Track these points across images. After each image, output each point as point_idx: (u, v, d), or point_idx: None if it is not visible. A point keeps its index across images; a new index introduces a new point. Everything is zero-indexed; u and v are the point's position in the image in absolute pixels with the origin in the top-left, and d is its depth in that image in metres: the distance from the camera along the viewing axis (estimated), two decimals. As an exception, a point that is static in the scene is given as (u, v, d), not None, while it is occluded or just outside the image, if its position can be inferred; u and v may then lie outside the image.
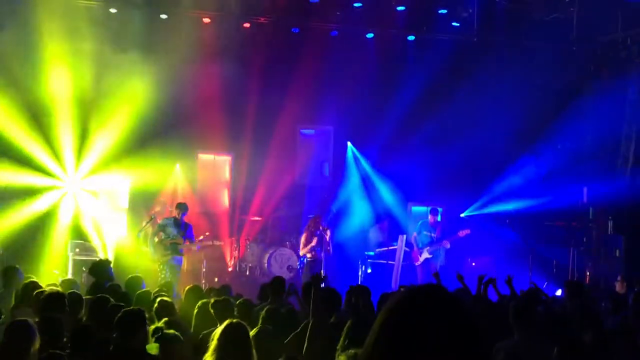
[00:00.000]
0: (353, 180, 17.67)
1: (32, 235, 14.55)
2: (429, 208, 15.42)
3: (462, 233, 15.12)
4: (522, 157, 16.56)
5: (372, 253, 16.19)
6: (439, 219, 15.78)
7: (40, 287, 8.32)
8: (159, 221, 13.81)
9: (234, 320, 5.41)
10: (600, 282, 14.76)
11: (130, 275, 9.93)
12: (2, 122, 14.65)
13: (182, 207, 13.67)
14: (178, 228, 13.42)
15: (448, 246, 15.03)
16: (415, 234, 15.19)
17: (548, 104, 15.94)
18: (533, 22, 16.12)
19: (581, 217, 16.42)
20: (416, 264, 14.96)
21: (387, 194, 17.23)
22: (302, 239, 14.03)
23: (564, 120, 15.97)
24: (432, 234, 14.93)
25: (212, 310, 7.11)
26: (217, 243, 14.39)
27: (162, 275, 13.02)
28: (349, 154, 17.89)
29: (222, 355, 5.11)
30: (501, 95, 16.40)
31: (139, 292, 8.50)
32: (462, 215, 16.78)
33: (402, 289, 9.14)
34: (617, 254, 15.42)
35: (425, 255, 14.81)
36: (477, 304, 8.10)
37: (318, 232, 13.79)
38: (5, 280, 9.24)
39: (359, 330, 5.57)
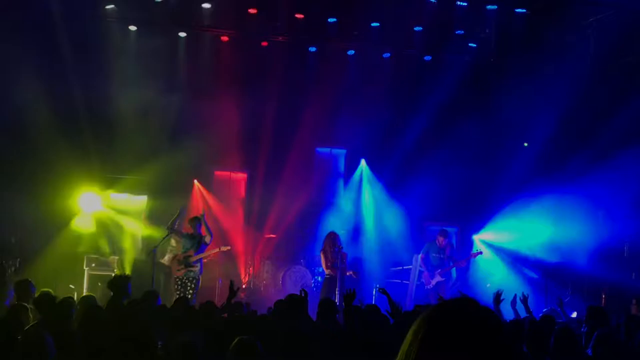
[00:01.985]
0: (365, 199, 17.66)
1: (49, 249, 14.60)
2: (439, 229, 15.29)
3: (475, 254, 15.08)
4: (539, 176, 16.46)
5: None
6: (453, 240, 15.68)
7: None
8: (177, 235, 13.95)
9: (245, 337, 5.45)
10: (615, 304, 14.64)
11: (145, 290, 9.98)
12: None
13: (194, 221, 13.81)
14: (192, 242, 13.58)
15: (464, 265, 14.99)
16: (422, 255, 15.07)
17: (565, 125, 15.87)
18: (550, 42, 16.13)
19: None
20: (427, 287, 14.84)
21: (401, 212, 17.16)
22: (322, 256, 14.06)
23: (582, 140, 15.93)
24: (441, 255, 14.82)
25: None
26: (224, 249, 14.44)
27: (178, 292, 13.16)
28: (358, 172, 17.84)
29: None
30: (519, 116, 16.39)
31: (155, 307, 8.54)
32: (474, 236, 16.64)
33: (417, 309, 9.12)
34: (633, 277, 15.31)
35: (437, 278, 14.66)
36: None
37: (336, 249, 13.79)
38: (18, 294, 9.28)
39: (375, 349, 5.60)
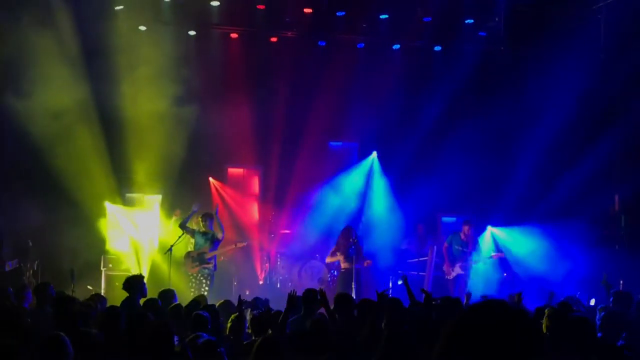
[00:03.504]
0: (377, 191, 17.59)
1: (68, 249, 14.67)
2: (463, 220, 15.21)
3: (495, 256, 15.05)
4: (552, 165, 16.39)
5: None
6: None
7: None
8: (189, 233, 13.99)
9: (268, 336, 5.48)
10: (633, 290, 14.55)
11: (162, 289, 10.02)
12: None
13: (207, 217, 13.86)
14: (205, 238, 13.66)
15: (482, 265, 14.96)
16: (446, 245, 15.04)
17: (577, 111, 15.79)
18: (560, 30, 16.04)
19: (613, 225, 16.23)
20: (448, 277, 14.81)
21: (415, 204, 17.09)
22: (333, 249, 14.06)
23: (595, 128, 15.87)
24: (464, 249, 14.77)
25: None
26: (240, 245, 14.48)
27: (193, 289, 13.25)
28: (368, 164, 17.74)
29: None
30: (530, 104, 16.32)
31: (171, 306, 8.57)
32: (489, 228, 16.51)
33: (434, 302, 9.12)
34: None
35: (458, 270, 14.64)
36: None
37: (351, 243, 13.78)
38: (38, 298, 9.31)
39: (394, 344, 5.59)
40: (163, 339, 5.95)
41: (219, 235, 13.67)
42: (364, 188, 17.66)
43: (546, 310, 7.32)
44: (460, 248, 14.71)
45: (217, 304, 8.77)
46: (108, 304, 8.82)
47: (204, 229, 13.75)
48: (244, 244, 14.68)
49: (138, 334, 6.51)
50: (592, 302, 12.85)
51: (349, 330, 7.08)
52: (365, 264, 13.80)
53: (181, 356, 6.04)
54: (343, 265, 13.78)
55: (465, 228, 14.80)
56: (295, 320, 8.04)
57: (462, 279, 14.56)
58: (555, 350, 6.12)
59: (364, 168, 17.79)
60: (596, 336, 6.79)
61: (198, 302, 9.12)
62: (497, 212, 16.48)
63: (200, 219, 13.96)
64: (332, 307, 8.60)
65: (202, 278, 13.46)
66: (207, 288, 13.33)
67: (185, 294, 12.57)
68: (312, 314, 8.33)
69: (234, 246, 14.26)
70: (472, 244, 14.78)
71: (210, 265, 13.54)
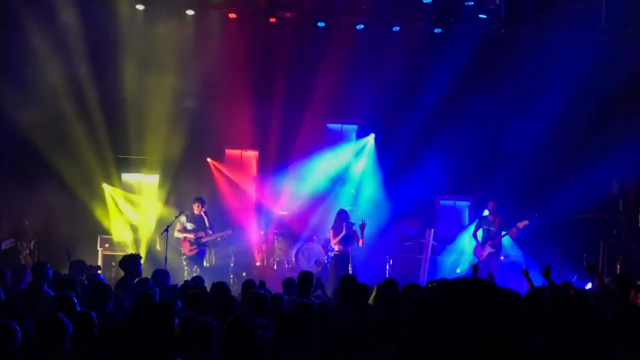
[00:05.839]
0: (373, 173, 17.51)
1: (64, 229, 14.67)
2: (488, 202, 15.32)
3: (522, 224, 14.99)
4: (551, 149, 16.34)
5: None
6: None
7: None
8: (182, 217, 14.09)
9: (237, 316, 5.45)
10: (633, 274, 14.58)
11: (156, 269, 10.04)
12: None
13: (200, 201, 14.04)
14: (197, 222, 13.88)
15: (515, 235, 14.99)
16: (475, 228, 15.20)
17: (577, 95, 15.72)
18: (561, 12, 15.93)
19: (611, 209, 16.22)
20: (480, 259, 14.86)
21: (413, 187, 17.05)
22: (331, 232, 14.08)
23: (594, 111, 15.82)
24: (492, 228, 14.88)
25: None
26: (225, 233, 14.69)
27: (187, 267, 13.54)
28: (364, 146, 17.64)
29: (226, 349, 5.18)
30: (530, 87, 16.25)
31: (164, 286, 8.58)
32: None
33: (430, 285, 9.10)
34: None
35: (488, 249, 14.78)
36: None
37: (347, 225, 13.80)
38: (35, 277, 9.31)
39: (389, 325, 5.58)
40: (164, 320, 5.94)
41: (209, 231, 14.04)
42: (357, 169, 17.60)
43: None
44: (488, 227, 14.89)
45: (210, 285, 8.76)
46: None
47: (197, 213, 13.98)
48: (229, 232, 14.91)
49: (137, 313, 6.51)
50: (589, 286, 12.85)
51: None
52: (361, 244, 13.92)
53: (181, 337, 6.03)
54: (337, 247, 13.82)
55: (491, 205, 15.00)
56: (289, 303, 8.03)
57: (494, 257, 14.68)
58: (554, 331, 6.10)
59: (358, 149, 17.70)
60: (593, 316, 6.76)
61: (194, 282, 9.13)
62: (496, 196, 16.45)
63: (194, 204, 14.22)
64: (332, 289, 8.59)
65: (198, 259, 13.79)
66: (198, 270, 13.58)
67: (179, 274, 12.66)
68: (307, 296, 8.32)
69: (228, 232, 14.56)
70: (499, 222, 14.87)
71: (206, 248, 13.97)
